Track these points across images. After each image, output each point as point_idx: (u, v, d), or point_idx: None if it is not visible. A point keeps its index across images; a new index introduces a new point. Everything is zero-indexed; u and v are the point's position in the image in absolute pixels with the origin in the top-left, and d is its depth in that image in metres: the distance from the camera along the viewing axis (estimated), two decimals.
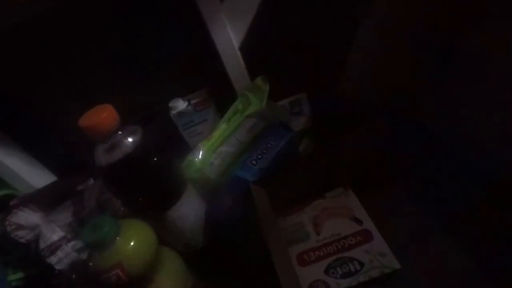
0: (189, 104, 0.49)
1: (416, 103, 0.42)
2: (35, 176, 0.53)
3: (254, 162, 0.42)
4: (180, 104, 0.49)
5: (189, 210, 0.39)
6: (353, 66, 0.47)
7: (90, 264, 0.31)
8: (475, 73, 0.31)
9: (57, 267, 0.38)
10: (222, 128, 0.45)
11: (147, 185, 0.35)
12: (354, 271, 0.35)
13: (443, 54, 0.33)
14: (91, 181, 0.48)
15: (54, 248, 0.38)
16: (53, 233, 0.39)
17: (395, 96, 0.42)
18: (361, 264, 0.35)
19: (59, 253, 0.38)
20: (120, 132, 0.32)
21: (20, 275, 0.42)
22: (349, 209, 0.41)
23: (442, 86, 0.36)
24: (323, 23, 0.48)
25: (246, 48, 0.48)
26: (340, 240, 0.38)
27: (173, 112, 0.48)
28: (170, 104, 0.49)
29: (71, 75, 0.48)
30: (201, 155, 0.44)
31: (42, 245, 0.38)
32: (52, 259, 0.38)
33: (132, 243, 0.31)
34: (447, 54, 0.33)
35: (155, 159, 0.35)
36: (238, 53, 0.48)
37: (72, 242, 0.39)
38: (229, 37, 0.46)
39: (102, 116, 0.31)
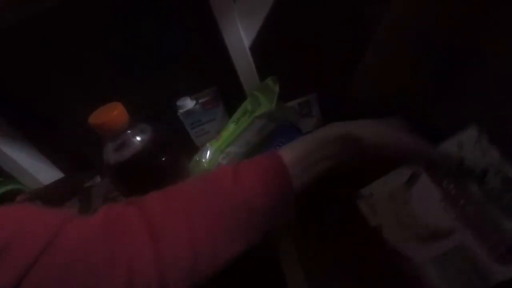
0: (197, 103, 0.49)
1: (428, 104, 0.41)
2: (42, 172, 0.53)
3: None
4: (188, 103, 0.48)
5: None
6: (364, 67, 0.46)
7: None
8: (485, 75, 0.31)
9: None
10: (231, 128, 0.45)
11: (155, 184, 0.35)
12: None
13: (456, 55, 0.33)
14: (98, 178, 0.48)
15: None
16: None
17: (407, 97, 0.42)
18: None
19: None
20: (129, 131, 0.32)
21: None
22: None
23: (454, 87, 0.36)
24: (335, 24, 0.47)
25: (257, 48, 0.48)
26: None
27: (181, 110, 0.48)
28: (178, 103, 0.48)
29: (81, 73, 0.48)
30: (209, 155, 0.44)
31: None
32: None
33: None
34: (459, 55, 0.33)
35: (163, 158, 0.35)
36: (249, 52, 0.47)
37: None
38: (240, 36, 0.45)
39: (113, 114, 0.31)
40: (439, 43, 0.33)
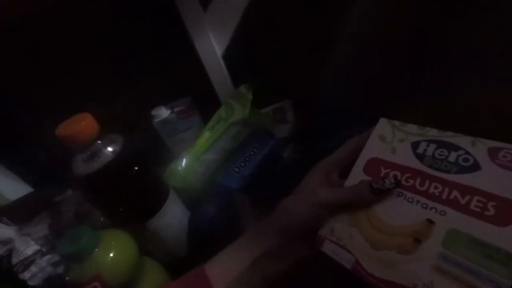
0: (172, 112, 0.49)
1: (401, 109, 0.43)
2: (9, 188, 0.50)
3: (237, 169, 0.42)
4: (163, 112, 0.48)
5: (171, 219, 0.38)
6: (336, 72, 0.48)
7: (67, 277, 0.30)
8: (455, 76, 0.33)
9: (31, 283, 0.36)
10: (206, 135, 0.45)
11: (128, 195, 0.34)
12: None
13: (427, 58, 0.35)
14: (69, 191, 0.46)
15: (27, 263, 0.36)
16: (27, 247, 0.37)
17: (379, 102, 0.44)
18: None
19: (33, 268, 0.36)
20: (99, 141, 0.32)
21: None
22: None
23: (427, 90, 0.38)
24: (306, 31, 0.49)
25: (229, 56, 0.49)
26: None
27: (156, 120, 0.48)
28: (153, 112, 0.48)
29: (50, 83, 0.47)
30: (185, 163, 0.44)
31: (14, 260, 0.36)
32: (25, 275, 0.36)
33: (111, 254, 0.30)
34: (431, 58, 0.35)
35: (136, 168, 0.34)
36: (222, 61, 0.48)
37: (48, 256, 0.38)
38: (212, 45, 0.46)
39: (81, 125, 0.30)
40: (421, 48, 0.34)
